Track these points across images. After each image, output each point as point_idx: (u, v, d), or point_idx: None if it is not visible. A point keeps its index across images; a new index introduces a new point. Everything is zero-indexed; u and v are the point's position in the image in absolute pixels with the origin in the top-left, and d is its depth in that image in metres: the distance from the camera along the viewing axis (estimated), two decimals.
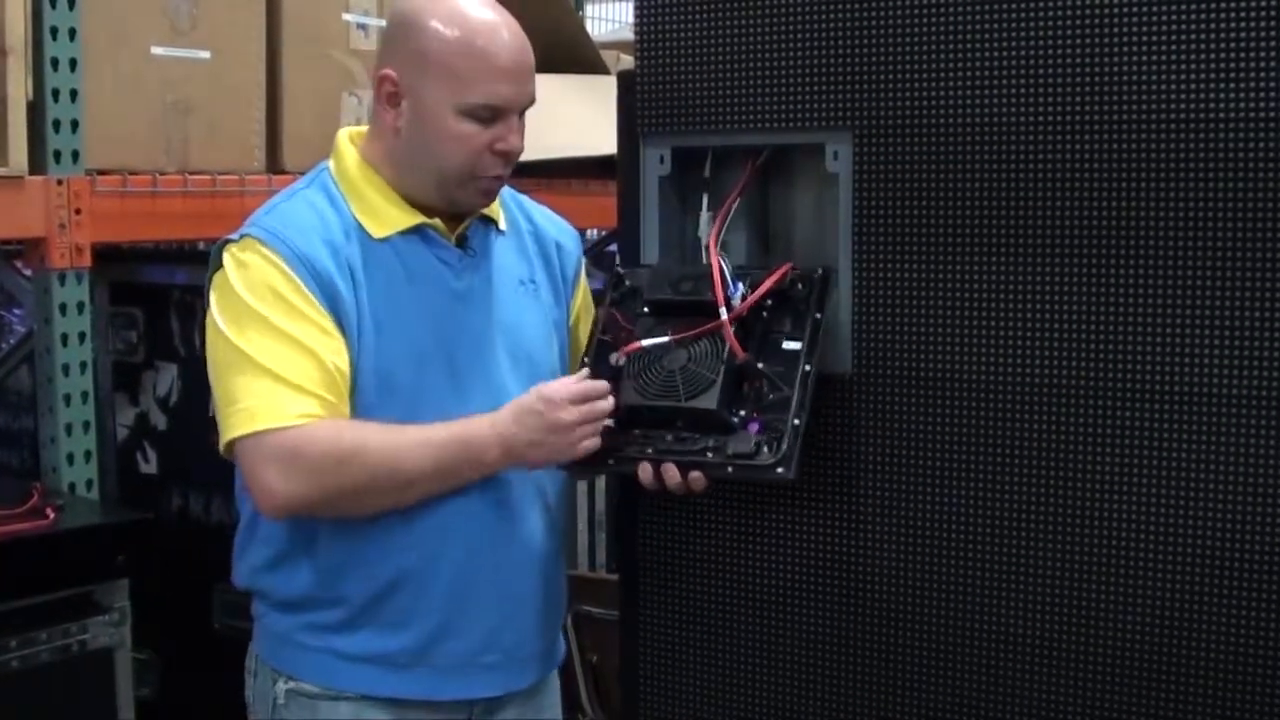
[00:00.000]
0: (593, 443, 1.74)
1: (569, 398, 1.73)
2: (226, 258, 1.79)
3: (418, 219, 1.84)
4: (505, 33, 1.80)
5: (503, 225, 1.95)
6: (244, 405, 1.72)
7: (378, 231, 1.83)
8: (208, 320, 1.81)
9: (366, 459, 1.72)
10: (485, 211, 1.92)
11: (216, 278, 1.81)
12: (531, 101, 1.84)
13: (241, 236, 1.80)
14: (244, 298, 1.76)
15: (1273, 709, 1.58)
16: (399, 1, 1.91)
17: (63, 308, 2.59)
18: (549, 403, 1.73)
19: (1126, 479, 1.63)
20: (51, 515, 2.36)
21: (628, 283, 1.87)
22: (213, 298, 1.80)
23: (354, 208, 1.83)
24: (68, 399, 2.61)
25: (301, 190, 1.87)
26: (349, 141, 1.90)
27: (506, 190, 1.99)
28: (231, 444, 1.74)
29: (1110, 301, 1.63)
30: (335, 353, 1.76)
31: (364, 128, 1.92)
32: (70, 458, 2.62)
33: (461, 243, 1.89)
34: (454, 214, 1.88)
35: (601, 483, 3.43)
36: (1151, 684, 1.64)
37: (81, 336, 2.63)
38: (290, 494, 1.71)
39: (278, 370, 1.72)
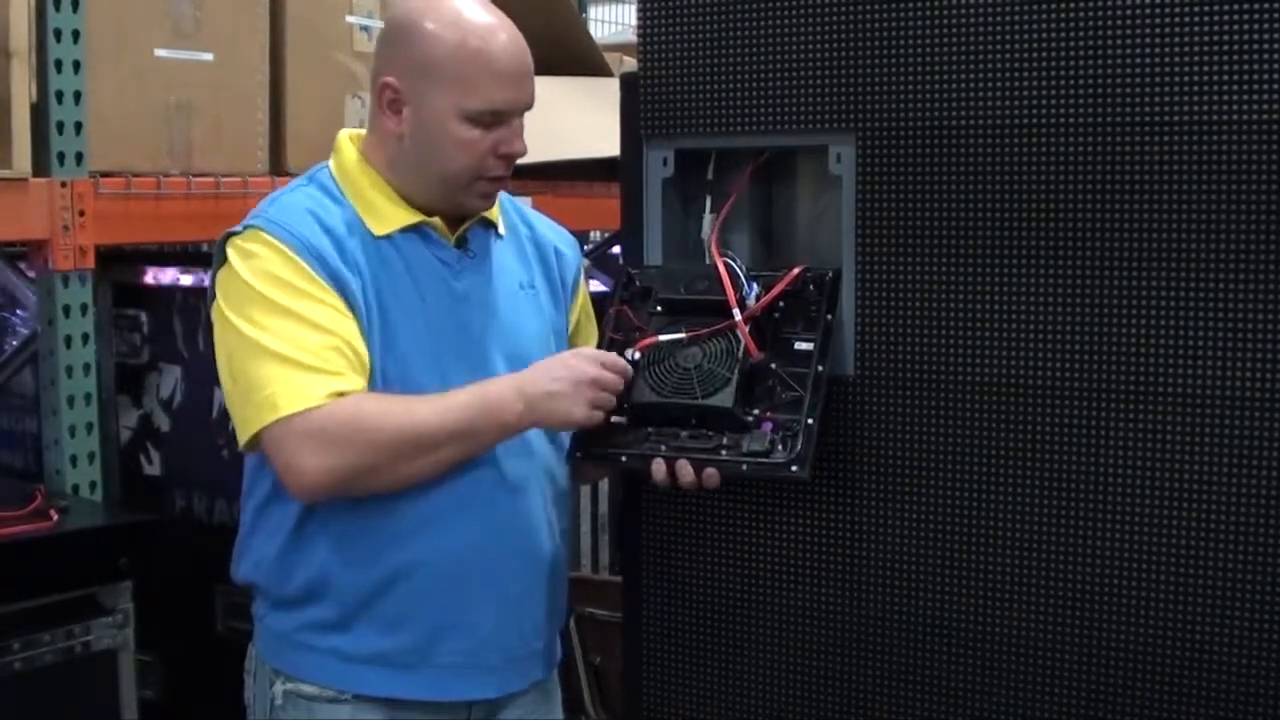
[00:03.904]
0: (597, 413, 1.75)
1: (595, 358, 1.77)
2: (231, 251, 1.79)
3: (418, 217, 1.85)
4: (504, 35, 1.81)
5: (502, 230, 1.96)
6: (266, 393, 1.71)
7: (379, 229, 1.83)
8: (215, 314, 1.80)
9: (389, 427, 1.71)
10: (485, 215, 1.93)
11: (221, 274, 1.81)
12: (531, 103, 1.85)
13: (245, 228, 1.80)
14: (253, 285, 1.75)
15: (1272, 709, 1.58)
16: (395, 7, 1.92)
17: (66, 309, 2.60)
18: (578, 355, 1.78)
19: (1131, 479, 1.63)
20: (55, 517, 2.37)
21: (638, 283, 1.87)
22: (218, 291, 1.80)
23: (355, 205, 1.84)
24: (71, 401, 2.62)
25: (301, 186, 1.88)
26: (349, 142, 1.90)
27: (505, 197, 2.00)
28: (257, 435, 1.73)
29: (1114, 303, 1.62)
30: (350, 333, 1.76)
31: (363, 130, 1.93)
32: (74, 460, 2.62)
33: (460, 244, 1.90)
34: (455, 216, 1.89)
35: (605, 484, 3.43)
36: (1153, 682, 1.64)
37: (85, 338, 2.64)
38: (319, 470, 1.70)
39: (295, 354, 1.71)
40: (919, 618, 1.75)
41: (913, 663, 1.76)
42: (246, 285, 1.76)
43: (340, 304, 1.77)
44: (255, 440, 1.74)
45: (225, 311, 1.77)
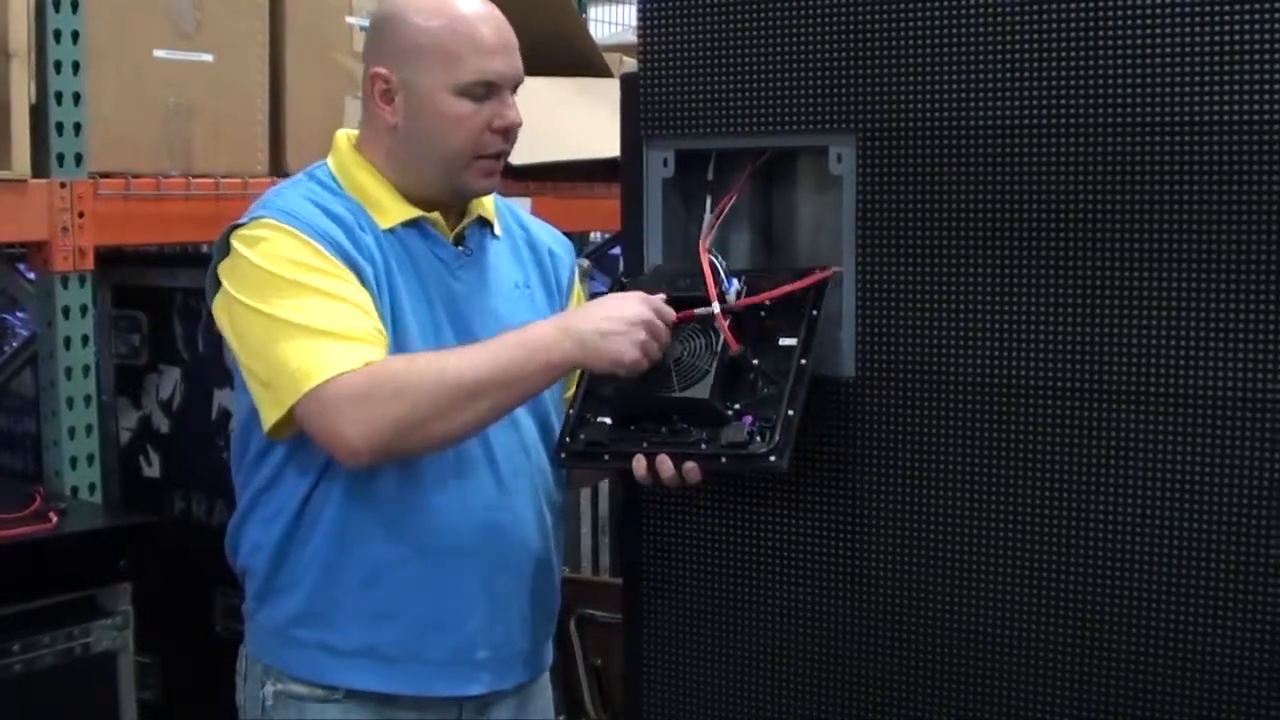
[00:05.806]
0: (642, 361, 1.71)
1: (648, 301, 1.73)
2: (236, 242, 1.78)
3: (417, 212, 1.86)
4: (486, 13, 1.85)
5: (498, 230, 1.96)
6: (296, 367, 1.69)
7: (383, 222, 1.84)
8: (223, 305, 1.79)
9: (428, 379, 1.68)
10: (482, 214, 1.93)
11: (225, 264, 1.79)
12: (520, 78, 1.86)
13: (251, 219, 1.79)
14: (265, 268, 1.74)
15: (1272, 709, 1.58)
16: (379, 5, 1.92)
17: (65, 311, 2.60)
18: (628, 298, 1.74)
19: (1130, 479, 1.63)
20: (54, 519, 2.37)
21: (629, 289, 1.87)
22: (227, 282, 1.78)
23: (357, 199, 1.85)
24: (70, 402, 2.62)
25: (302, 182, 1.88)
26: (346, 140, 1.91)
27: (500, 199, 2.00)
28: (291, 411, 1.70)
29: (1114, 303, 1.62)
30: (368, 305, 1.76)
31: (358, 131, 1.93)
32: (73, 461, 2.62)
33: (458, 242, 1.90)
34: (454, 207, 1.89)
35: (605, 486, 3.44)
36: (1150, 681, 1.63)
37: (84, 340, 2.64)
38: (363, 433, 1.67)
39: (320, 325, 1.70)
40: (919, 618, 1.75)
41: (912, 662, 1.76)
42: (258, 269, 1.74)
43: (354, 279, 1.76)
44: (288, 419, 1.72)
45: (238, 298, 1.75)
